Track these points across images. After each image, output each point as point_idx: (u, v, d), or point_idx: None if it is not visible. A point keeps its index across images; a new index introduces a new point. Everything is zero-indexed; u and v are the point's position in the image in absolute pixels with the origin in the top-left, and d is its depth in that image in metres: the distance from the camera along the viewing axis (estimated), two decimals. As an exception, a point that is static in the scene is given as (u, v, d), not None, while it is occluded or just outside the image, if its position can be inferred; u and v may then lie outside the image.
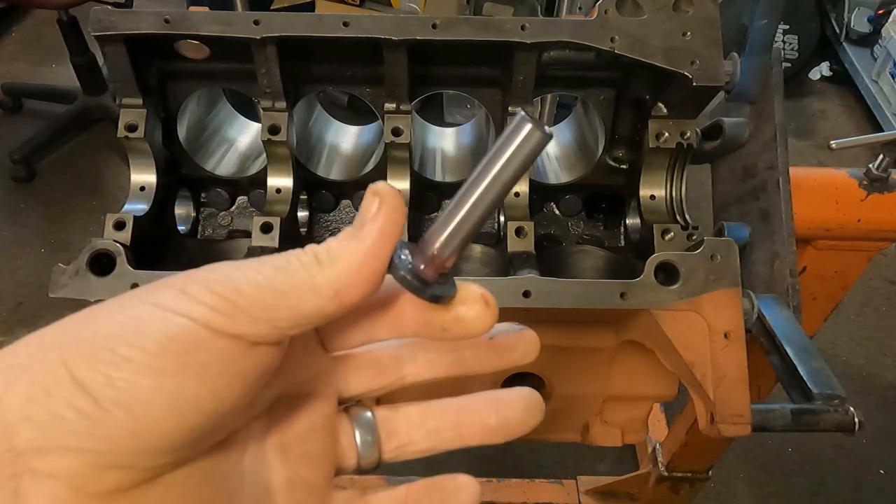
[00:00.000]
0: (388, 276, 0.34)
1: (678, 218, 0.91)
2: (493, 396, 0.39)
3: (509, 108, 0.91)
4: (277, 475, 0.36)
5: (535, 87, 0.88)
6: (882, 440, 2.14)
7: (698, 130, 0.93)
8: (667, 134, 0.89)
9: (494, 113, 0.96)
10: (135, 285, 0.74)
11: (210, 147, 1.01)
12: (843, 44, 3.46)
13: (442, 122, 2.65)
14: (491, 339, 0.39)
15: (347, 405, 0.40)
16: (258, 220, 0.87)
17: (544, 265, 0.87)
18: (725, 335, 0.76)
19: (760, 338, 0.90)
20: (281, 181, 0.92)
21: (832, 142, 1.14)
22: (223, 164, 1.01)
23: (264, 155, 0.93)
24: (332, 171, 1.02)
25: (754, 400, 0.78)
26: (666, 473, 1.34)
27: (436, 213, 1.06)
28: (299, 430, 0.37)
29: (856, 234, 1.17)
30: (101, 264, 0.75)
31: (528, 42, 0.82)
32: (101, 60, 2.69)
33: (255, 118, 1.05)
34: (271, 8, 2.62)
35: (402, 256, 0.34)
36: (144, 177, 0.89)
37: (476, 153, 1.07)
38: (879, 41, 3.27)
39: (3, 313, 2.34)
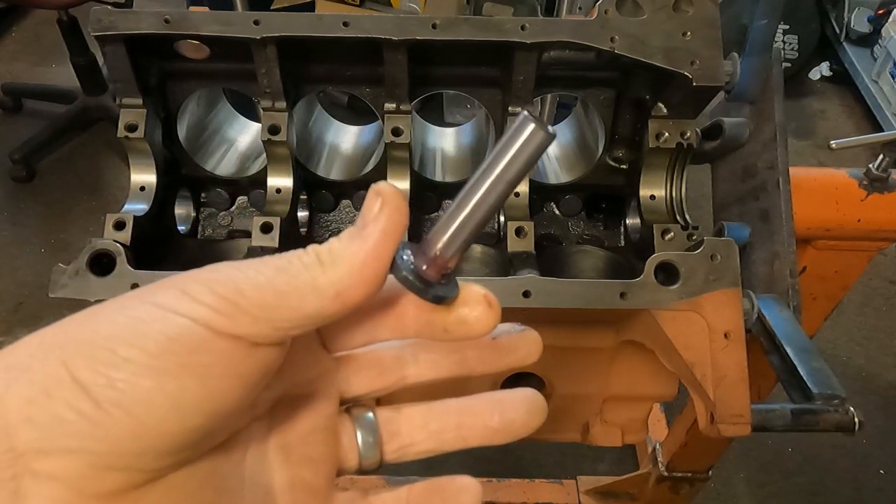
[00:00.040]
0: (391, 277, 0.34)
1: (678, 218, 0.91)
2: (495, 398, 0.39)
3: (509, 108, 0.91)
4: (279, 476, 0.36)
5: (535, 87, 0.88)
6: (882, 440, 2.14)
7: (698, 130, 0.93)
8: (667, 134, 0.89)
9: (494, 113, 0.96)
10: (135, 285, 0.74)
11: (210, 147, 1.01)
12: (843, 44, 3.46)
13: (442, 122, 2.65)
14: (493, 340, 0.39)
15: (349, 406, 0.40)
16: (258, 220, 0.87)
17: (544, 265, 0.87)
18: (725, 335, 0.76)
19: (760, 338, 0.90)
20: (281, 181, 0.92)
21: (832, 142, 1.14)
22: (223, 164, 1.01)
23: (264, 155, 0.93)
24: (332, 171, 1.02)
25: (754, 400, 0.78)
26: (666, 473, 1.34)
27: (436, 214, 1.06)
28: (301, 431, 0.37)
29: (856, 234, 1.17)
30: (101, 264, 0.75)
31: (528, 42, 0.82)
32: (101, 60, 2.69)
33: (255, 118, 1.05)
34: (271, 8, 2.62)
35: (405, 257, 0.34)
36: (144, 177, 0.89)
37: (476, 153, 1.07)
38: (879, 41, 3.27)
39: (3, 313, 2.34)
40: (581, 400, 1.04)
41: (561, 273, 0.93)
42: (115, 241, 0.76)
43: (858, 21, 3.35)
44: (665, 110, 0.89)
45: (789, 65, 3.33)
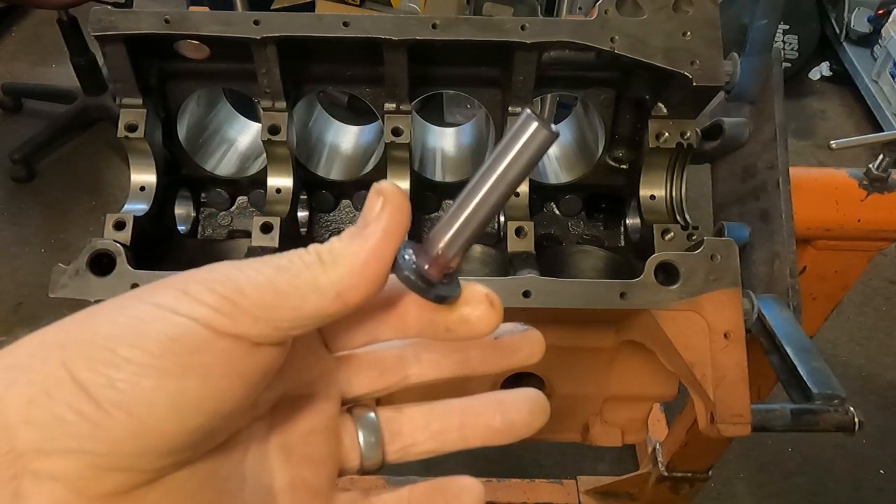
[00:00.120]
0: (392, 276, 0.33)
1: (678, 218, 0.91)
2: (497, 398, 0.39)
3: (509, 108, 0.91)
4: (280, 476, 0.36)
5: (535, 87, 0.88)
6: (882, 440, 2.14)
7: (698, 130, 0.93)
8: (667, 134, 0.89)
9: (494, 113, 0.96)
10: (135, 285, 0.74)
11: (210, 147, 1.01)
12: (843, 44, 3.46)
13: (442, 122, 2.65)
14: (496, 340, 0.39)
15: (350, 406, 0.40)
16: (258, 220, 0.87)
17: (544, 265, 0.87)
18: (725, 335, 0.76)
19: (760, 338, 0.90)
20: (281, 181, 0.92)
21: (832, 142, 1.14)
22: (223, 164, 1.01)
23: (264, 155, 0.93)
24: (332, 171, 1.02)
25: (754, 400, 0.78)
26: (666, 473, 1.34)
27: (436, 214, 1.06)
28: (302, 431, 0.37)
29: (856, 234, 1.17)
30: (101, 264, 0.75)
31: (528, 42, 0.82)
32: (101, 60, 2.68)
33: (255, 118, 1.05)
34: (271, 8, 2.62)
35: (406, 256, 0.34)
36: (144, 177, 0.89)
37: (476, 153, 1.07)
38: (879, 41, 3.27)
39: (3, 313, 2.34)
40: (581, 400, 1.04)
41: (561, 273, 0.93)
42: (115, 241, 0.76)
43: (858, 21, 3.35)
44: (665, 110, 0.89)
45: (789, 65, 3.33)
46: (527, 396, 0.39)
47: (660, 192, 0.93)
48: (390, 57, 0.84)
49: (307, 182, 1.01)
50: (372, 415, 0.39)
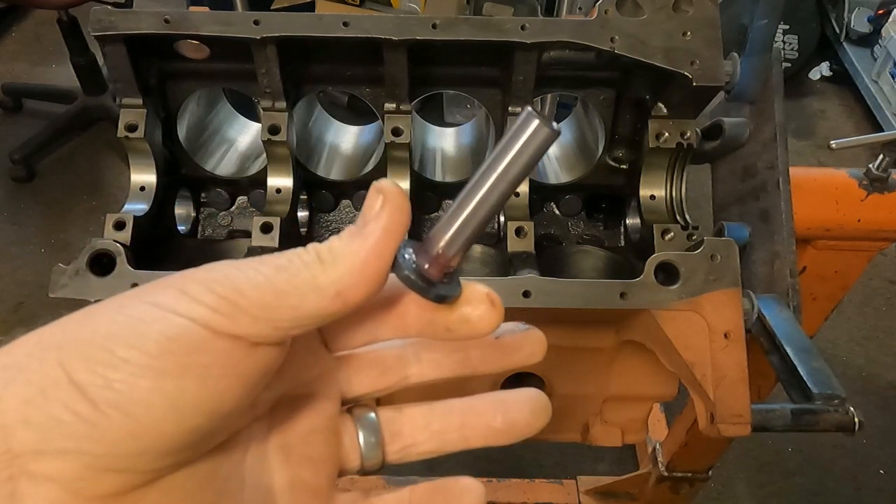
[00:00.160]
0: (392, 276, 0.33)
1: (678, 218, 0.91)
2: (498, 398, 0.39)
3: (509, 108, 0.91)
4: (279, 477, 0.36)
5: (535, 87, 0.88)
6: (882, 440, 2.14)
7: (698, 130, 0.93)
8: (667, 134, 0.89)
9: (494, 113, 0.96)
10: (135, 285, 0.74)
11: (210, 147, 1.01)
12: (843, 44, 3.46)
13: (442, 122, 2.65)
14: (497, 339, 0.39)
15: (351, 406, 0.39)
16: (258, 220, 0.87)
17: (544, 265, 0.87)
18: (725, 335, 0.76)
19: (760, 338, 0.90)
20: (281, 181, 0.92)
21: (832, 142, 1.14)
22: (223, 164, 1.01)
23: (264, 155, 0.93)
24: (332, 171, 1.02)
25: (754, 400, 0.77)
26: (666, 473, 1.34)
27: (436, 214, 1.06)
28: (302, 431, 0.37)
29: (856, 234, 1.17)
30: (101, 264, 0.75)
31: (528, 42, 0.82)
32: (101, 60, 2.68)
33: (255, 118, 1.05)
34: (271, 8, 2.62)
35: (406, 255, 0.34)
36: (144, 177, 0.89)
37: (476, 153, 1.07)
38: (879, 41, 3.27)
39: (3, 313, 2.34)
40: (581, 400, 1.04)
41: (561, 273, 0.93)
42: (115, 241, 0.76)
43: (858, 21, 3.35)
44: (665, 110, 0.89)
45: (789, 65, 3.32)
46: (528, 396, 0.39)
47: (660, 192, 0.93)
48: (390, 57, 0.84)
49: (307, 182, 1.01)
50: (372, 415, 0.39)
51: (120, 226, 0.81)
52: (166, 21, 0.80)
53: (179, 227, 0.99)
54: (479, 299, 0.35)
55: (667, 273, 0.76)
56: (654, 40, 0.81)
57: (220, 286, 0.30)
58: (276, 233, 0.86)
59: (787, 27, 3.33)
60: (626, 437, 1.08)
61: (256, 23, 0.80)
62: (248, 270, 0.31)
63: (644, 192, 0.93)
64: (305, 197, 1.03)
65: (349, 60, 0.89)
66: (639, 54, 0.81)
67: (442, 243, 0.34)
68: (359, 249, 0.32)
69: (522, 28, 0.81)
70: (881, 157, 1.13)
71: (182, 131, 0.95)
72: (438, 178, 1.02)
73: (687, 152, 0.90)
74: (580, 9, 2.29)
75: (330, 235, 0.33)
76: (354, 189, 1.04)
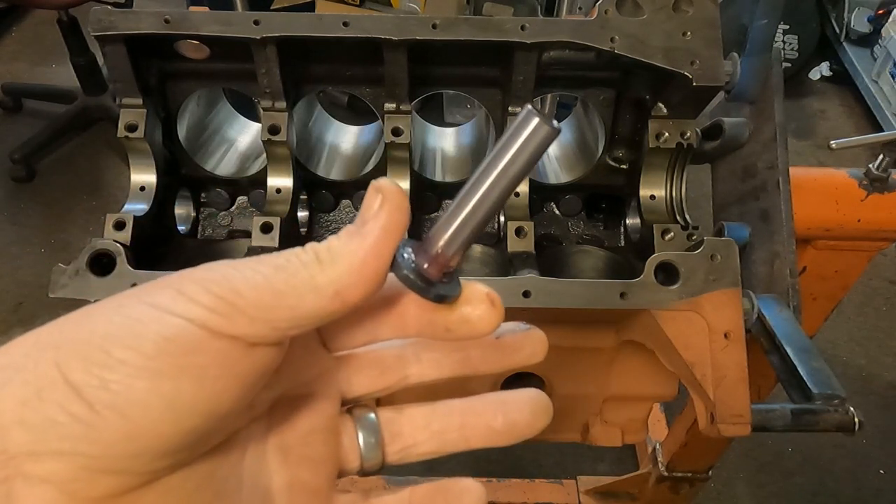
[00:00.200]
0: (391, 275, 0.33)
1: (678, 218, 0.91)
2: (499, 398, 0.39)
3: (509, 108, 0.91)
4: (278, 478, 0.36)
5: (535, 87, 0.88)
6: (882, 440, 2.14)
7: (698, 130, 0.93)
8: (667, 134, 0.89)
9: (494, 113, 0.96)
10: (134, 285, 0.74)
11: (210, 147, 1.01)
12: (843, 44, 3.46)
13: (442, 122, 2.65)
14: (497, 339, 0.38)
15: (350, 406, 0.39)
16: (258, 220, 0.86)
17: (544, 265, 0.87)
18: (725, 335, 0.76)
19: (760, 338, 0.90)
20: (281, 181, 0.92)
21: (832, 142, 1.14)
22: (223, 164, 1.01)
23: (264, 155, 0.93)
24: (332, 171, 1.02)
25: (754, 400, 0.77)
26: (666, 473, 1.34)
27: (436, 214, 1.06)
28: (300, 432, 0.36)
29: (856, 234, 1.17)
30: (101, 264, 0.75)
31: (528, 42, 0.82)
32: (101, 60, 2.68)
33: (255, 118, 1.05)
34: (271, 8, 2.62)
35: (405, 255, 0.33)
36: (144, 177, 0.89)
37: (476, 153, 1.07)
38: (879, 41, 3.27)
39: (2, 313, 2.34)
40: (581, 400, 1.04)
41: (561, 273, 0.93)
42: (115, 241, 0.76)
43: (858, 21, 3.35)
44: (665, 110, 0.89)
45: (789, 65, 3.32)
46: (529, 397, 0.39)
47: (660, 192, 0.93)
48: (390, 57, 0.84)
49: (307, 182, 1.01)
50: (372, 415, 0.39)
51: (120, 226, 0.81)
52: (166, 21, 0.80)
53: (179, 227, 0.99)
54: (479, 299, 0.34)
55: (667, 273, 0.76)
56: (654, 40, 0.81)
57: (217, 286, 0.30)
58: (276, 233, 0.86)
59: (787, 27, 3.33)
60: (626, 437, 1.08)
61: (256, 23, 0.80)
62: (245, 270, 0.31)
63: (644, 192, 0.93)
64: (305, 197, 1.03)
65: (349, 60, 0.89)
66: (639, 54, 0.81)
67: (441, 242, 0.34)
68: (357, 249, 0.32)
69: (522, 28, 0.81)
70: (881, 157, 1.13)
71: (182, 131, 0.95)
72: (438, 178, 1.02)
73: (687, 152, 0.90)
74: (580, 9, 2.29)
75: (330, 235, 0.33)
76: (354, 189, 1.04)
